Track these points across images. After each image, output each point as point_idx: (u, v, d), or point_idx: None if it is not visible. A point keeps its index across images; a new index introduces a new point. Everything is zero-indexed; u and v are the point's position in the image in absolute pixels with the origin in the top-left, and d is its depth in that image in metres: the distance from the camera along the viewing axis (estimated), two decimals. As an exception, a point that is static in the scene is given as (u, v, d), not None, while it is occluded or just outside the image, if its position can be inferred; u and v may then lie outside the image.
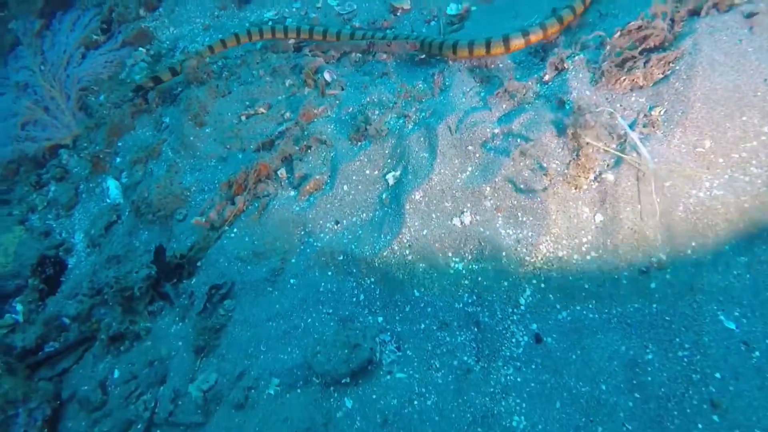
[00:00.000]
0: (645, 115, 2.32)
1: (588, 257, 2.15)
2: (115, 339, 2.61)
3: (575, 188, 2.25)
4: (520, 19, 3.34)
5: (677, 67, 2.33)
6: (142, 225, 3.03)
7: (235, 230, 2.71)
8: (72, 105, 3.85)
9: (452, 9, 3.65)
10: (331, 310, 2.36)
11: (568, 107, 2.44)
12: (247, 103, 3.27)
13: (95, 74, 3.94)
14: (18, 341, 2.76)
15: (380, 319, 2.31)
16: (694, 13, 2.50)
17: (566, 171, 2.27)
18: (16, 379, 2.52)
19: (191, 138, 3.22)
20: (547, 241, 2.20)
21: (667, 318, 1.92)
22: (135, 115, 3.65)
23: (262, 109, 3.19)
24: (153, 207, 2.96)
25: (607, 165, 2.26)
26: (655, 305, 1.97)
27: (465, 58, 2.98)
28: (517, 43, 2.85)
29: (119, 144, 3.61)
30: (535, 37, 2.85)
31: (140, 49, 4.18)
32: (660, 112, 2.29)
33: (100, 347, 2.66)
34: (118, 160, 3.55)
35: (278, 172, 2.83)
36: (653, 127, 2.27)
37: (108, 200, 3.34)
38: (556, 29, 2.90)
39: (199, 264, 2.68)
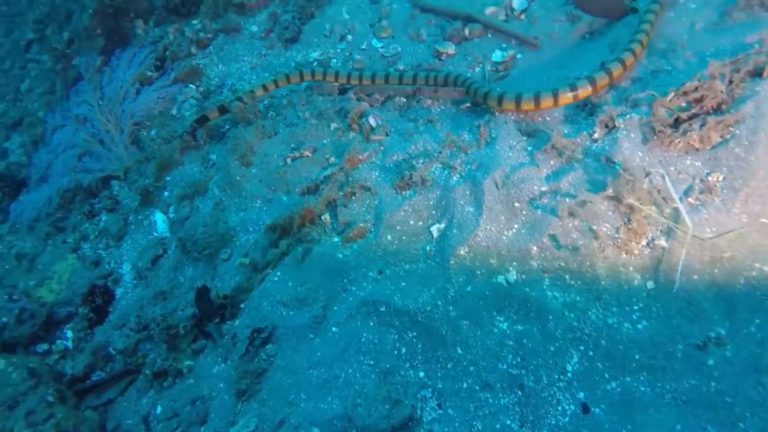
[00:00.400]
0: (701, 181, 2.33)
1: (639, 326, 2.14)
2: (158, 375, 2.75)
3: (626, 253, 2.27)
4: (567, 70, 3.41)
5: (738, 132, 2.34)
6: (187, 261, 3.19)
7: (278, 273, 2.83)
8: (125, 138, 4.14)
9: (498, 56, 3.77)
10: (372, 362, 2.42)
11: (618, 168, 2.48)
12: (293, 145, 3.43)
13: (148, 110, 4.23)
14: (68, 369, 2.94)
15: (422, 374, 2.35)
16: (755, 74, 2.51)
17: (617, 235, 2.30)
18: (68, 408, 2.67)
19: (237, 178, 3.40)
20: (596, 306, 2.21)
21: (728, 399, 1.89)
22: (184, 150, 3.89)
23: (307, 153, 3.35)
24: (199, 245, 3.12)
25: (660, 230, 2.27)
26: (714, 384, 1.94)
27: (510, 112, 3.06)
28: (566, 98, 2.92)
29: (168, 178, 3.83)
30: (584, 92, 2.91)
31: (191, 85, 4.46)
32: (718, 177, 2.30)
33: (144, 382, 2.80)
34: (166, 194, 3.77)
35: (322, 218, 2.95)
36: (710, 194, 2.27)
37: (155, 233, 3.54)
38: (606, 83, 2.94)
39: (242, 306, 2.80)
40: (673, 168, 2.41)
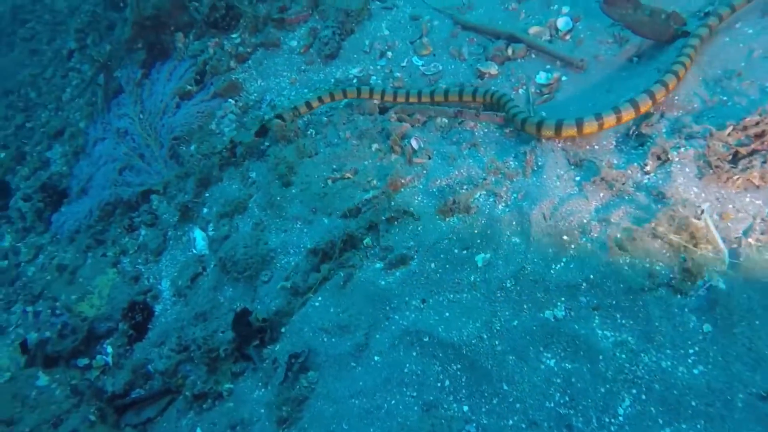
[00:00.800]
0: (763, 220, 2.33)
1: (695, 371, 2.14)
2: (198, 397, 2.86)
3: (680, 294, 2.28)
4: (614, 95, 3.42)
5: (801, 170, 2.33)
6: (227, 282, 3.32)
7: (320, 298, 2.91)
8: (165, 153, 4.32)
9: (542, 78, 3.80)
10: (415, 393, 2.48)
11: (671, 203, 2.49)
12: (334, 166, 3.53)
13: (188, 124, 4.41)
14: (109, 386, 3.08)
15: (465, 408, 2.40)
16: (819, 110, 2.50)
17: (671, 274, 2.31)
18: (108, 427, 2.81)
19: (278, 198, 3.51)
20: (649, 348, 2.22)
21: (790, 454, 1.89)
22: (223, 167, 4.04)
23: (348, 174, 3.44)
24: (239, 266, 3.24)
25: (718, 271, 2.27)
26: (776, 437, 1.93)
27: (550, 138, 3.09)
28: (610, 121, 2.94)
29: (207, 194, 3.99)
30: (627, 115, 2.92)
31: (230, 100, 4.63)
32: (779, 218, 2.30)
33: (183, 403, 2.91)
34: (205, 210, 3.92)
35: (364, 242, 3.03)
36: (771, 235, 2.27)
37: (194, 250, 3.69)
38: (648, 106, 2.94)
39: (283, 330, 2.90)
40: (731, 206, 2.41)
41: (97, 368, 3.25)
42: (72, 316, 3.54)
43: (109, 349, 3.36)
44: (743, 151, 2.50)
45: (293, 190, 3.52)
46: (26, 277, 4.54)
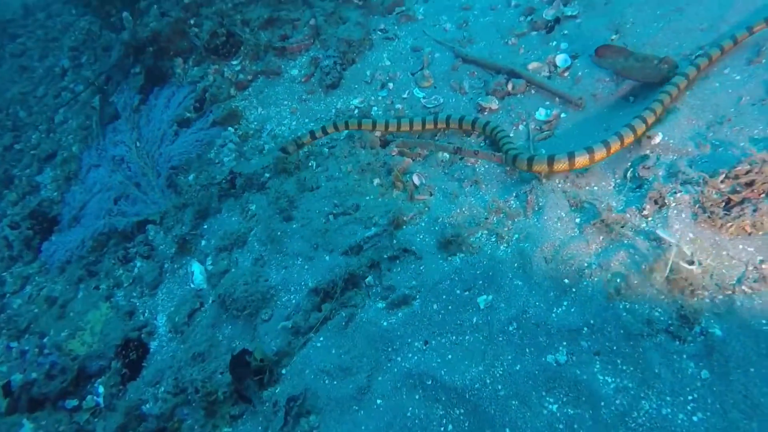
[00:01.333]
0: (755, 267, 2.49)
1: (695, 418, 2.28)
2: (196, 440, 2.92)
3: (679, 340, 2.42)
4: (612, 133, 3.61)
5: (791, 219, 2.51)
6: (226, 319, 3.41)
7: (321, 339, 3.02)
8: (162, 182, 4.43)
9: (542, 114, 4.00)
10: (417, 438, 2.58)
11: (668, 248, 2.64)
12: (335, 201, 3.67)
13: (186, 153, 4.53)
14: (99, 429, 3.12)
15: (468, 453, 2.50)
16: (808, 160, 2.69)
17: (669, 320, 2.45)
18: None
19: (278, 233, 3.64)
20: (649, 395, 2.35)
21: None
22: (222, 198, 4.16)
23: (350, 210, 3.58)
24: (238, 303, 3.34)
25: (714, 317, 2.42)
26: (772, 486, 2.06)
27: (542, 172, 3.29)
28: (600, 155, 3.18)
29: (205, 226, 4.10)
30: (615, 146, 3.19)
31: (229, 129, 4.77)
32: (772, 266, 2.46)
33: (181, 445, 2.98)
34: (204, 243, 4.02)
35: (366, 281, 3.16)
36: (765, 283, 2.43)
37: (192, 284, 3.78)
38: (631, 139, 3.21)
39: (283, 371, 2.99)
40: (725, 252, 2.58)
41: (88, 410, 3.27)
42: (61, 355, 3.56)
43: (101, 389, 3.39)
44: (735, 198, 2.68)
45: (294, 225, 3.65)
46: (11, 310, 4.55)
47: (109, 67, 5.50)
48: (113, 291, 4.04)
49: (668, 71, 3.60)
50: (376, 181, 3.75)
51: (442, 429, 2.58)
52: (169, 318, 3.68)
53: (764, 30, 3.48)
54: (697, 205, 2.77)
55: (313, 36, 5.16)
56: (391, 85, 4.73)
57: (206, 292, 3.71)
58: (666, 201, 2.86)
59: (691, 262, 2.53)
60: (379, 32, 5.20)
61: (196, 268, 3.82)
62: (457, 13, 5.24)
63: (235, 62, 5.23)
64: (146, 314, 3.83)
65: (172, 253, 4.05)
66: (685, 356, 2.40)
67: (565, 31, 4.54)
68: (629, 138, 3.22)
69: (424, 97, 4.53)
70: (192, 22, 5.31)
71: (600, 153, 3.22)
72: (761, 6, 3.71)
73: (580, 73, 4.14)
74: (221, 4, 5.23)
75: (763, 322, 2.34)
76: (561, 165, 3.24)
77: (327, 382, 2.85)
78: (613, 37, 4.25)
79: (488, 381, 2.58)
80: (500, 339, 2.68)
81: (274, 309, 3.30)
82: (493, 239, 3.10)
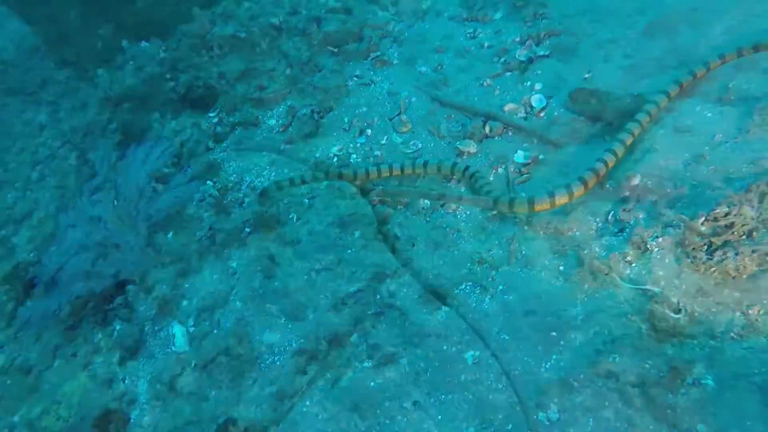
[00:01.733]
0: (742, 313, 2.49)
1: (692, 476, 2.23)
2: None
3: (671, 393, 2.39)
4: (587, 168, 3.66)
5: (773, 261, 2.52)
6: (209, 384, 3.31)
7: (307, 403, 2.94)
8: (141, 241, 4.35)
9: (520, 157, 4.04)
10: None
11: (653, 297, 2.64)
12: (317, 256, 3.63)
13: (165, 210, 4.47)
14: None
15: None
16: (782, 199, 2.72)
17: (661, 374, 2.42)
18: None
19: (260, 291, 3.58)
20: (645, 453, 2.31)
21: None
22: (203, 255, 4.10)
23: (332, 265, 3.54)
24: (222, 368, 3.25)
25: (706, 369, 2.40)
26: None
27: (523, 213, 3.37)
28: (579, 192, 3.30)
29: (186, 285, 4.02)
30: (591, 182, 3.32)
31: (208, 182, 4.74)
32: (759, 311, 2.46)
33: None
34: (185, 303, 3.94)
35: (351, 340, 3.10)
36: (752, 330, 2.42)
37: (173, 347, 3.68)
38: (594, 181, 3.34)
39: (271, 440, 2.89)
40: (711, 299, 2.58)
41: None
42: (33, 436, 3.41)
43: (78, 469, 3.24)
44: (716, 241, 2.69)
45: (276, 283, 3.59)
46: (-19, 383, 4.37)
47: (86, 124, 5.49)
48: (92, 357, 3.91)
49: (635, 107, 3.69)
50: (357, 233, 3.72)
51: (436, 499, 2.49)
52: (150, 384, 3.57)
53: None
54: (679, 249, 2.78)
55: (289, 85, 5.21)
56: (369, 131, 4.76)
57: (188, 355, 3.61)
58: (648, 246, 2.86)
59: (678, 311, 2.52)
60: (355, 78, 5.27)
61: (178, 330, 3.72)
62: (432, 56, 5.34)
63: (212, 114, 5.25)
64: (126, 381, 3.70)
65: (153, 314, 3.95)
66: (679, 410, 2.36)
67: (539, 71, 4.64)
68: (603, 171, 3.37)
69: (402, 143, 4.57)
70: (168, 76, 5.35)
71: (578, 190, 3.31)
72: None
73: (556, 113, 4.22)
74: (197, 57, 5.29)
75: (755, 372, 2.32)
76: (542, 205, 3.27)
77: (315, 452, 2.76)
78: (587, 75, 4.36)
79: (480, 444, 2.52)
80: (490, 397, 2.62)
81: (258, 372, 3.21)
82: (478, 291, 3.08)
